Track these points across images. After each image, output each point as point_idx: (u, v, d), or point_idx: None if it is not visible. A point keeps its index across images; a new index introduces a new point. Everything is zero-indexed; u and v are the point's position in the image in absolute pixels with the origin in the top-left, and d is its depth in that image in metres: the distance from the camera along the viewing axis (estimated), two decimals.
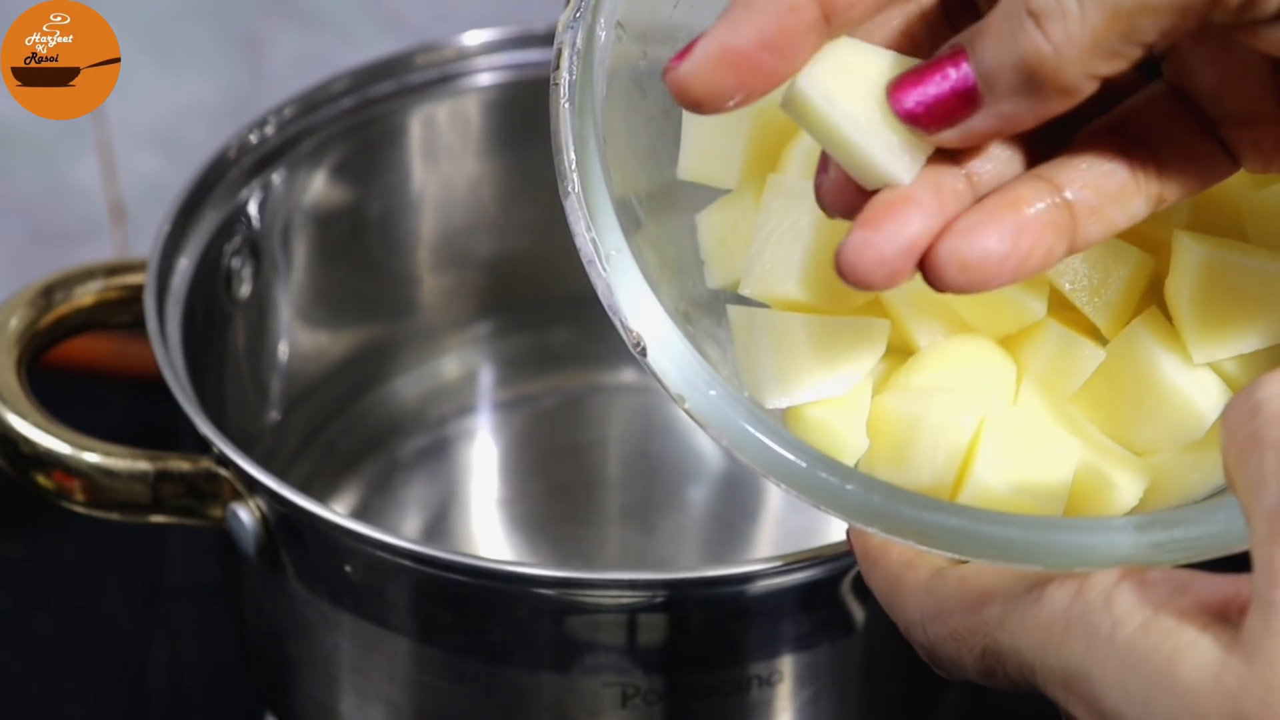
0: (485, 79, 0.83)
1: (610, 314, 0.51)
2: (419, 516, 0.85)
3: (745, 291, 0.55)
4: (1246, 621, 0.41)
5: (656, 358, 0.50)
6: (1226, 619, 0.43)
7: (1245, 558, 0.43)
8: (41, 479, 0.68)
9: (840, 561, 0.63)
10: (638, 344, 0.51)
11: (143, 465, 0.68)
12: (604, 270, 0.51)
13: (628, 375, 0.90)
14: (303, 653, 0.71)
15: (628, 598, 0.63)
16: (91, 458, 0.68)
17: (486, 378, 0.90)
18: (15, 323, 0.71)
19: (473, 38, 0.82)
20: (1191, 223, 0.54)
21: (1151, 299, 0.54)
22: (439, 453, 0.88)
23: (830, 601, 0.64)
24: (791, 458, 0.49)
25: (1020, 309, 0.54)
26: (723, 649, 0.65)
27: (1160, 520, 0.48)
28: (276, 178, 0.79)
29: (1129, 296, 0.54)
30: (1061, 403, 0.54)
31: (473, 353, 0.90)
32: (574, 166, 0.53)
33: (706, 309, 0.56)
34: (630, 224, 0.53)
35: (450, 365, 0.89)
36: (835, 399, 0.53)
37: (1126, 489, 0.53)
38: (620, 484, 0.86)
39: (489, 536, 0.85)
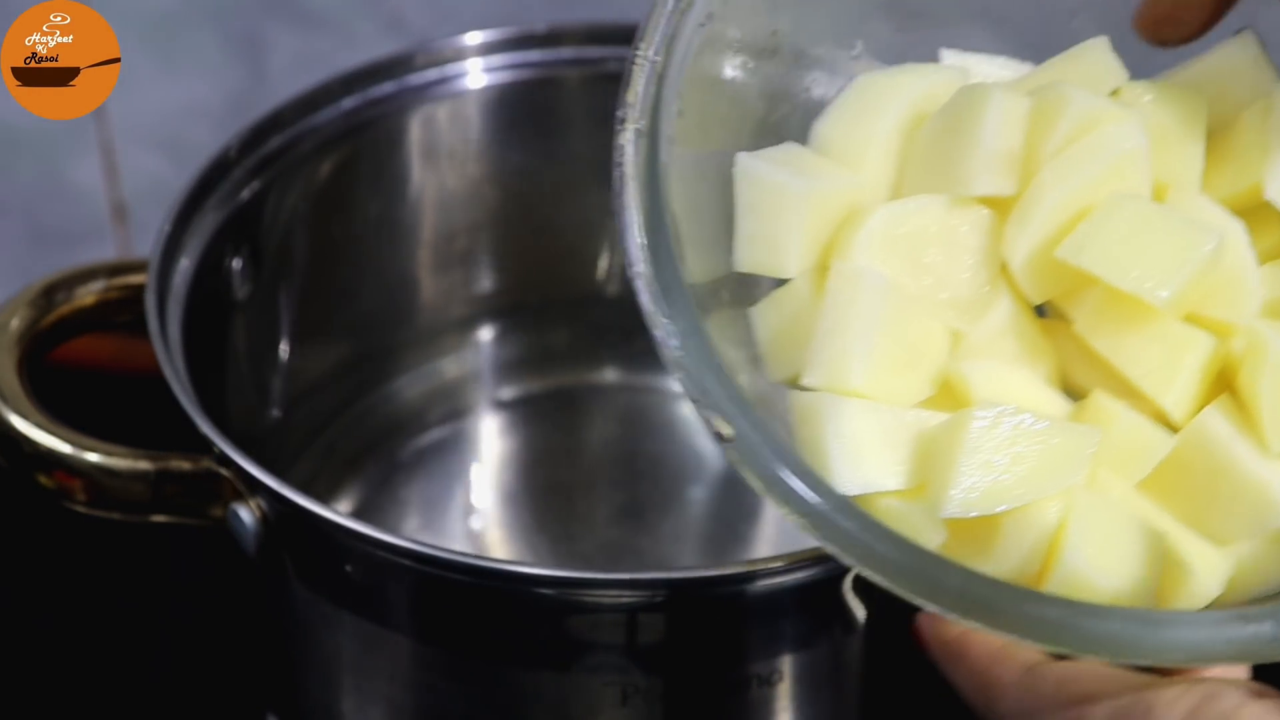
0: (485, 79, 0.83)
1: (695, 404, 0.49)
2: (419, 516, 0.85)
3: (808, 382, 0.53)
4: None
5: (740, 447, 0.48)
6: None
7: None
8: (42, 479, 0.68)
9: (840, 561, 0.63)
10: (721, 435, 0.49)
11: (143, 465, 0.68)
12: (679, 352, 0.49)
13: (627, 375, 0.90)
14: (303, 653, 0.71)
15: (628, 598, 0.63)
16: (92, 457, 0.68)
17: (486, 378, 0.90)
18: (17, 323, 0.71)
19: (473, 38, 0.82)
20: (1266, 311, 0.54)
21: (1222, 386, 0.53)
22: (439, 453, 0.88)
23: (830, 601, 0.64)
24: (886, 548, 0.48)
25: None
26: (723, 649, 0.65)
27: (1271, 614, 0.47)
28: (277, 178, 0.79)
29: (1199, 382, 0.53)
30: (1131, 489, 0.53)
31: (473, 353, 0.90)
32: (642, 244, 0.51)
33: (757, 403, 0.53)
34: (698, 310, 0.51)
35: (450, 365, 0.89)
36: (909, 489, 0.52)
37: (1207, 578, 0.52)
38: (620, 484, 0.86)
39: (489, 536, 0.85)
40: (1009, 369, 0.54)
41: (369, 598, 0.66)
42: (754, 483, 0.49)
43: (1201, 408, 0.53)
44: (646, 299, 0.51)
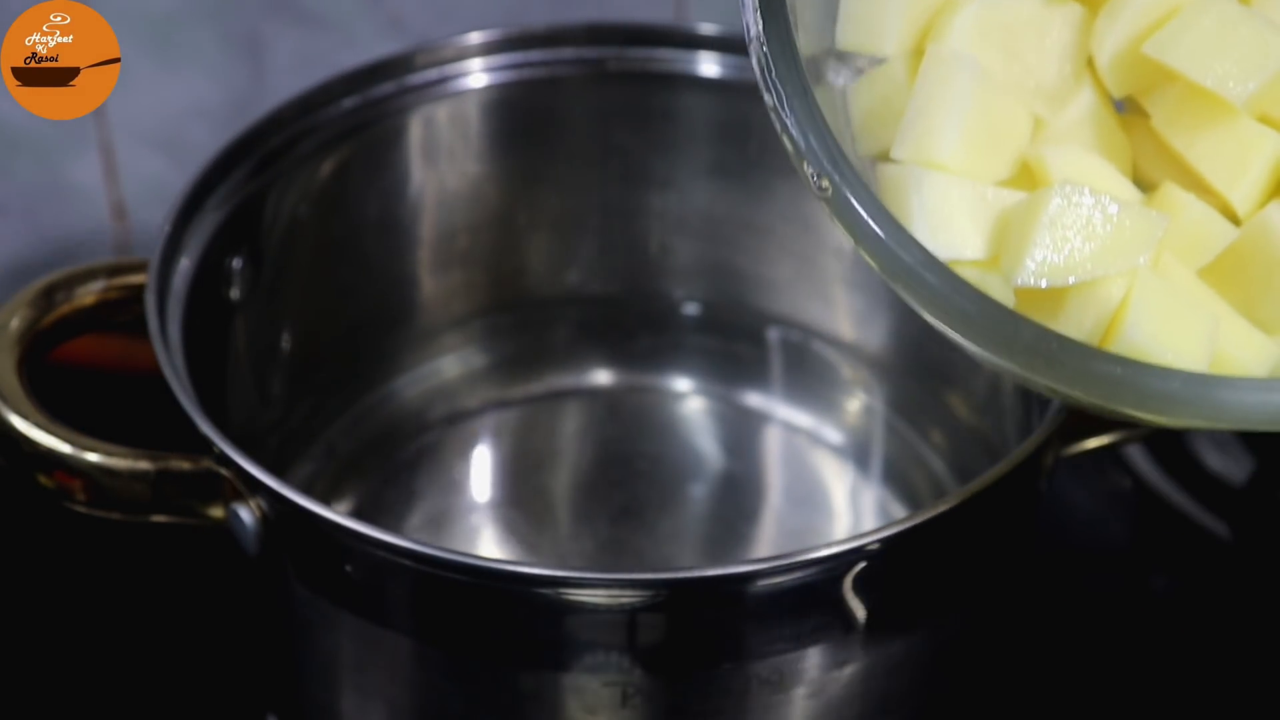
0: (485, 79, 0.83)
1: (797, 159, 0.53)
2: (419, 517, 0.85)
3: (897, 155, 0.56)
4: None
5: (836, 200, 0.52)
6: None
7: None
8: (42, 479, 0.68)
9: (840, 561, 0.63)
10: (821, 188, 0.52)
11: (143, 465, 0.68)
12: (785, 111, 0.53)
13: (627, 375, 0.90)
14: (303, 653, 0.71)
15: (628, 598, 0.63)
16: (92, 457, 0.68)
17: (486, 378, 0.90)
18: (16, 323, 0.71)
19: (473, 38, 0.82)
20: None
21: None
22: (439, 453, 0.88)
23: (830, 601, 0.64)
24: (965, 302, 0.51)
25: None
26: (723, 649, 0.65)
27: None
28: (277, 178, 0.79)
29: (1267, 180, 0.56)
30: (1192, 275, 0.56)
31: (472, 353, 0.90)
32: (756, 9, 0.54)
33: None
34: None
35: (450, 365, 0.89)
36: (985, 260, 0.55)
37: (1254, 363, 0.54)
38: (620, 484, 0.86)
39: (489, 536, 0.85)
40: (1086, 156, 0.57)
41: (369, 598, 0.66)
42: (846, 236, 0.53)
43: (1266, 204, 0.56)
44: (757, 61, 0.54)
